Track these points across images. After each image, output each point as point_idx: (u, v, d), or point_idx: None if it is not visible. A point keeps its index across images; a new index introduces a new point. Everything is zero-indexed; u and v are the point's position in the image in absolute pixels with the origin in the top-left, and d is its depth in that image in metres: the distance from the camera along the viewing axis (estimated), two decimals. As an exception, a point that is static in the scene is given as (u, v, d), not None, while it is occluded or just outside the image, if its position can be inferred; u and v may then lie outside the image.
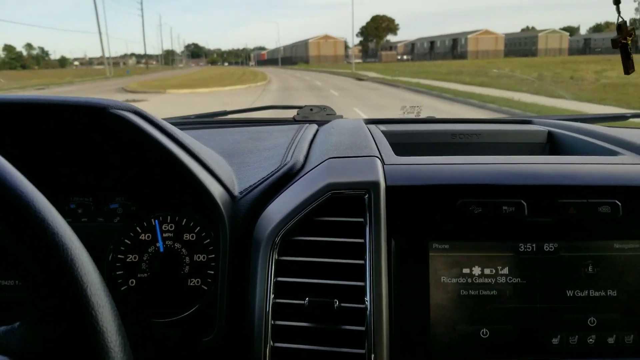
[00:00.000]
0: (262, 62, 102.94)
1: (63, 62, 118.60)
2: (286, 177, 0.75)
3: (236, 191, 0.74)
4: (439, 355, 0.60)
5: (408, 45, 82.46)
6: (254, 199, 0.73)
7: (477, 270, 0.62)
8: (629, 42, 0.86)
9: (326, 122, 1.14)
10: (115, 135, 0.67)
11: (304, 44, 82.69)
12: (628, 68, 0.88)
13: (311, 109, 1.27)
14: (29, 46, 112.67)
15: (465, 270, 0.62)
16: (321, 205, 0.64)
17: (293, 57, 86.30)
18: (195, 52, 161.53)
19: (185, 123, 1.24)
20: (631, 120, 1.28)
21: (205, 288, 0.70)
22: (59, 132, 0.69)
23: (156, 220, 0.73)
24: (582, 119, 1.18)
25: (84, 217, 0.77)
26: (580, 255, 0.62)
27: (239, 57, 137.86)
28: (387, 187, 0.64)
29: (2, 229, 0.38)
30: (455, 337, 0.60)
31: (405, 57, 76.65)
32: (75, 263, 0.39)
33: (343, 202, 0.64)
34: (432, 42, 74.06)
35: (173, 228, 0.73)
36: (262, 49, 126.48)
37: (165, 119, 0.94)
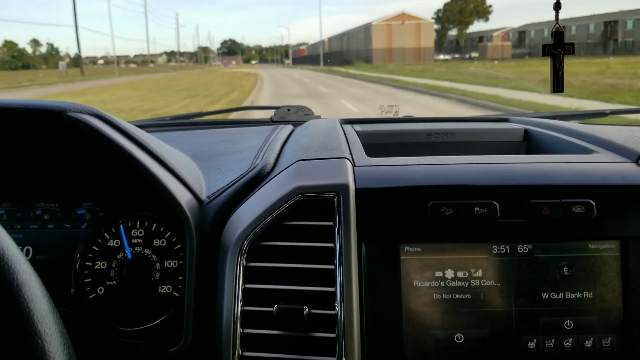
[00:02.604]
0: (300, 60, 77.08)
1: (77, 60, 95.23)
2: (255, 181, 0.78)
3: (204, 195, 0.77)
4: None
5: (511, 34, 54.15)
6: (221, 204, 0.75)
7: (450, 274, 0.64)
8: (561, 54, 0.86)
9: (303, 122, 1.18)
10: (76, 138, 0.70)
11: (364, 30, 54.91)
12: (555, 85, 0.88)
13: (288, 109, 1.31)
14: (34, 42, 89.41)
15: (438, 274, 0.64)
16: (290, 209, 0.67)
17: (345, 52, 57.94)
18: (232, 49, 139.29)
19: (160, 125, 1.27)
20: (610, 116, 1.29)
21: (177, 295, 0.74)
22: (18, 136, 0.73)
23: (121, 227, 0.77)
24: (561, 115, 1.21)
25: (50, 224, 0.80)
26: (555, 256, 0.64)
27: (276, 54, 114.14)
28: (357, 190, 0.66)
29: None
30: (429, 343, 0.63)
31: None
32: (21, 288, 0.37)
33: (312, 205, 0.67)
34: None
35: (142, 234, 0.77)
36: (305, 45, 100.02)
37: (140, 121, 0.95)
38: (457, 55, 57.67)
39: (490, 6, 66.58)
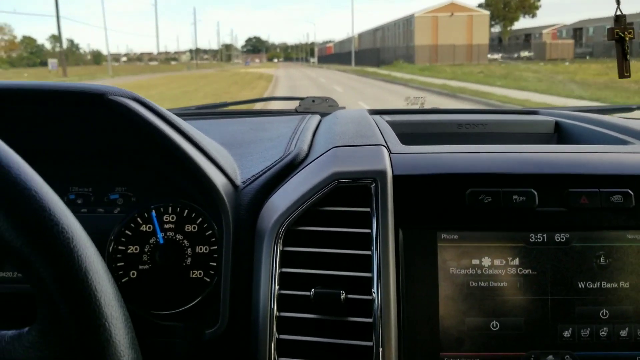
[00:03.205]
0: (326, 59, 70.47)
1: (98, 57, 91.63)
2: (290, 167, 0.81)
3: (239, 181, 0.80)
4: (448, 348, 0.64)
5: (564, 31, 46.81)
6: (257, 189, 0.78)
7: (486, 261, 0.65)
8: (627, 37, 0.83)
9: (328, 113, 1.19)
10: (114, 122, 0.73)
11: (403, 23, 46.84)
12: (624, 70, 0.85)
13: (313, 101, 1.31)
14: (54, 38, 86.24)
15: (475, 261, 0.65)
16: (326, 195, 0.69)
17: (382, 49, 49.73)
18: (256, 47, 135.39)
19: (185, 114, 1.29)
20: (637, 112, 1.27)
21: (208, 280, 0.77)
22: (56, 119, 0.76)
23: (153, 212, 0.80)
24: (587, 109, 1.19)
25: (84, 208, 0.83)
26: (592, 246, 0.65)
27: (301, 53, 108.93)
28: (394, 177, 0.68)
29: (11, 230, 0.36)
30: (465, 330, 0.64)
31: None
32: (89, 271, 0.39)
33: (349, 191, 0.69)
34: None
35: (174, 219, 0.79)
36: (332, 42, 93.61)
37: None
38: (501, 55, 50.69)
39: (539, 0, 59.22)
